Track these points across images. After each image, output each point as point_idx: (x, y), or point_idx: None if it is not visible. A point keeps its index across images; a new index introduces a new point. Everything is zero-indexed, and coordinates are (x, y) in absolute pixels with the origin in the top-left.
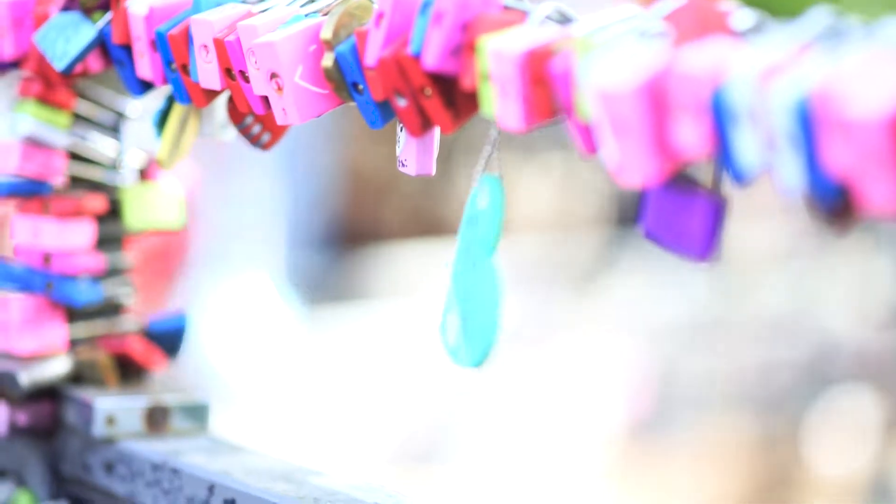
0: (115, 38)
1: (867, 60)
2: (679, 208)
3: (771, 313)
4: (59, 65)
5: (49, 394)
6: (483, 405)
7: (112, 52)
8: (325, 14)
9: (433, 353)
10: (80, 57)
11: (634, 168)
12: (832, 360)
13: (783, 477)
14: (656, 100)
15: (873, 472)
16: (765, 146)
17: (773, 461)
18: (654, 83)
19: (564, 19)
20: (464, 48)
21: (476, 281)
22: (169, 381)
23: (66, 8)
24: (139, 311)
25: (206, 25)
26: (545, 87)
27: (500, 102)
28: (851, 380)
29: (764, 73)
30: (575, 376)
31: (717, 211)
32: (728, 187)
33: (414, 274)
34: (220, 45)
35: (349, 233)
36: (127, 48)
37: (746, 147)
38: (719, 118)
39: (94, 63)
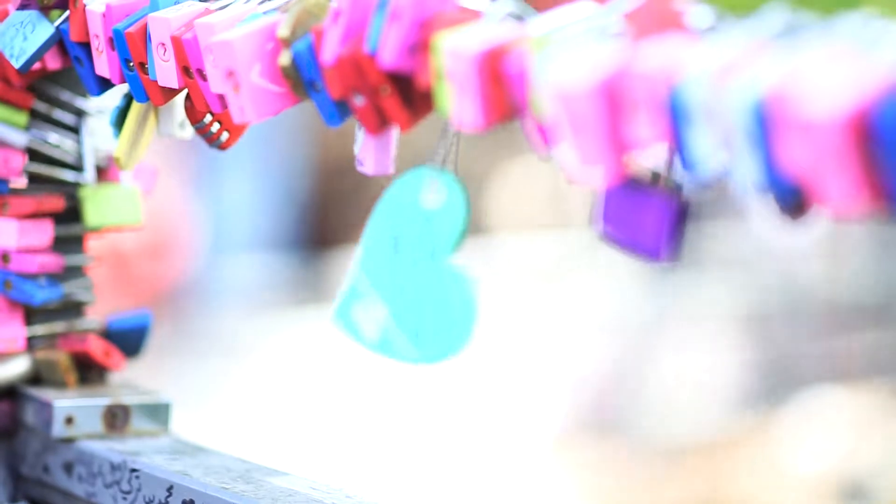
0: (73, 36)
1: (823, 59)
2: (635, 208)
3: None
4: (16, 63)
5: (7, 394)
6: (441, 402)
7: (70, 50)
8: (283, 12)
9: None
10: (38, 55)
11: (590, 168)
12: (798, 360)
13: (751, 476)
14: (612, 99)
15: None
16: (721, 145)
17: (741, 461)
18: (610, 82)
19: (521, 17)
20: (420, 46)
21: (423, 280)
22: (129, 381)
23: (23, 6)
24: (99, 310)
25: (164, 23)
26: (502, 86)
27: (456, 101)
28: (820, 380)
29: (720, 72)
30: (539, 372)
31: (674, 211)
32: (689, 188)
33: None
34: (177, 42)
35: (321, 234)
36: (85, 46)
37: (703, 146)
38: (675, 117)
39: (53, 61)
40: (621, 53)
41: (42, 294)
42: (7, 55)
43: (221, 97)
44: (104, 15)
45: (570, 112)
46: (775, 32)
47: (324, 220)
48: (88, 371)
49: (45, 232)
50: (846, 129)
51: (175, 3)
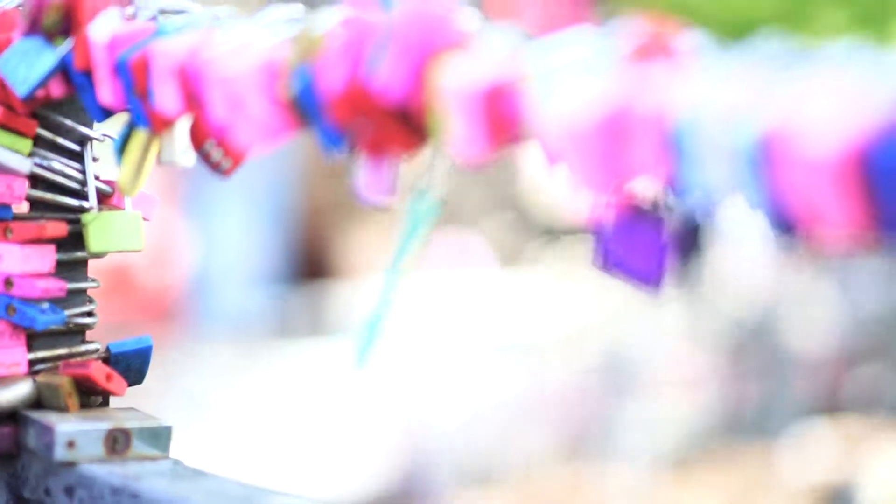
0: (77, 64)
1: (818, 94)
2: (632, 237)
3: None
4: (20, 90)
5: (10, 417)
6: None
7: (74, 78)
8: (285, 40)
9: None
10: (42, 82)
11: (590, 201)
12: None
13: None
14: (613, 135)
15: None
16: (721, 180)
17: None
18: (611, 118)
19: (518, 46)
20: (421, 77)
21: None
22: (131, 405)
23: (28, 33)
24: (101, 335)
25: (167, 52)
26: (502, 121)
27: (455, 132)
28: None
29: (719, 108)
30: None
31: (671, 241)
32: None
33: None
34: (180, 72)
35: (311, 268)
36: (88, 74)
37: (702, 180)
38: (675, 152)
39: (56, 89)
40: (621, 86)
41: (45, 319)
42: (11, 82)
43: (224, 126)
44: (108, 44)
45: (570, 146)
46: (769, 61)
47: (311, 255)
48: (90, 395)
49: (47, 257)
50: (844, 168)
51: (178, 32)
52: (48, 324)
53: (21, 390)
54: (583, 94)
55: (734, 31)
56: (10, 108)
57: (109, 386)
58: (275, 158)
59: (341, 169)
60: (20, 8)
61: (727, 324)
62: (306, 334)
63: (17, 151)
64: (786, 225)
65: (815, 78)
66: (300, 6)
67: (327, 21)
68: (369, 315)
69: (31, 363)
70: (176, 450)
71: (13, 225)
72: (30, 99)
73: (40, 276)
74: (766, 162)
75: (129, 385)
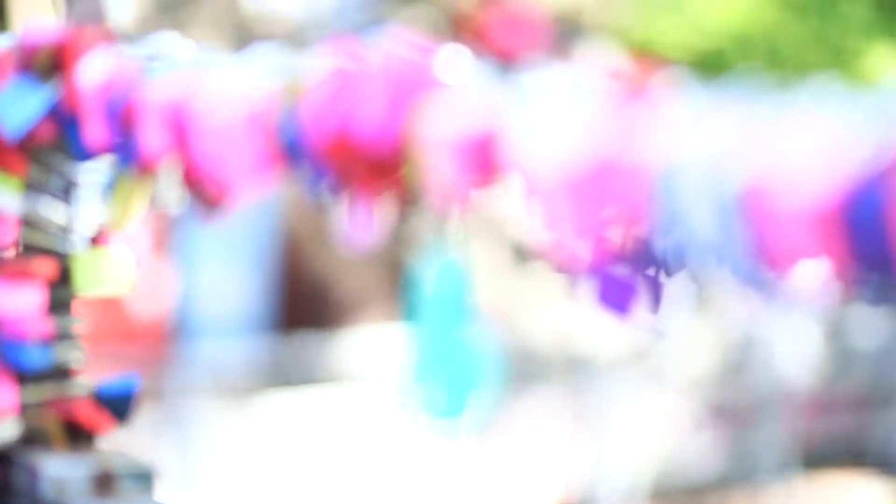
0: (66, 107)
1: (796, 142)
2: (616, 283)
3: None
4: (10, 130)
5: None
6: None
7: (63, 120)
8: (273, 86)
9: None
10: (32, 123)
11: (571, 253)
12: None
13: None
14: (594, 188)
15: None
16: (701, 230)
17: None
18: (591, 174)
19: (498, 88)
20: (404, 125)
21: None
22: (117, 445)
23: (19, 74)
24: (88, 375)
25: (156, 95)
26: (483, 166)
27: (438, 179)
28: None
29: (700, 159)
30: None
31: (652, 287)
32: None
33: (366, 358)
34: (168, 115)
35: (299, 316)
36: (77, 116)
37: (685, 229)
38: (657, 204)
39: (46, 130)
40: (603, 135)
41: (32, 359)
42: (1, 123)
43: (212, 169)
44: (96, 86)
45: (553, 193)
46: (747, 104)
47: (292, 305)
48: (77, 435)
49: (36, 298)
50: (824, 219)
51: (166, 75)
52: (36, 365)
53: (8, 431)
54: (565, 142)
55: (711, 65)
56: (0, 148)
57: (96, 426)
58: (262, 206)
59: (329, 216)
60: (11, 51)
61: (712, 365)
62: (294, 384)
63: (6, 191)
64: (763, 272)
65: (793, 125)
66: (285, 46)
67: (313, 68)
68: (403, 368)
69: (18, 404)
70: (161, 493)
71: (2, 265)
72: (20, 139)
73: (28, 316)
74: (747, 212)
75: (116, 425)
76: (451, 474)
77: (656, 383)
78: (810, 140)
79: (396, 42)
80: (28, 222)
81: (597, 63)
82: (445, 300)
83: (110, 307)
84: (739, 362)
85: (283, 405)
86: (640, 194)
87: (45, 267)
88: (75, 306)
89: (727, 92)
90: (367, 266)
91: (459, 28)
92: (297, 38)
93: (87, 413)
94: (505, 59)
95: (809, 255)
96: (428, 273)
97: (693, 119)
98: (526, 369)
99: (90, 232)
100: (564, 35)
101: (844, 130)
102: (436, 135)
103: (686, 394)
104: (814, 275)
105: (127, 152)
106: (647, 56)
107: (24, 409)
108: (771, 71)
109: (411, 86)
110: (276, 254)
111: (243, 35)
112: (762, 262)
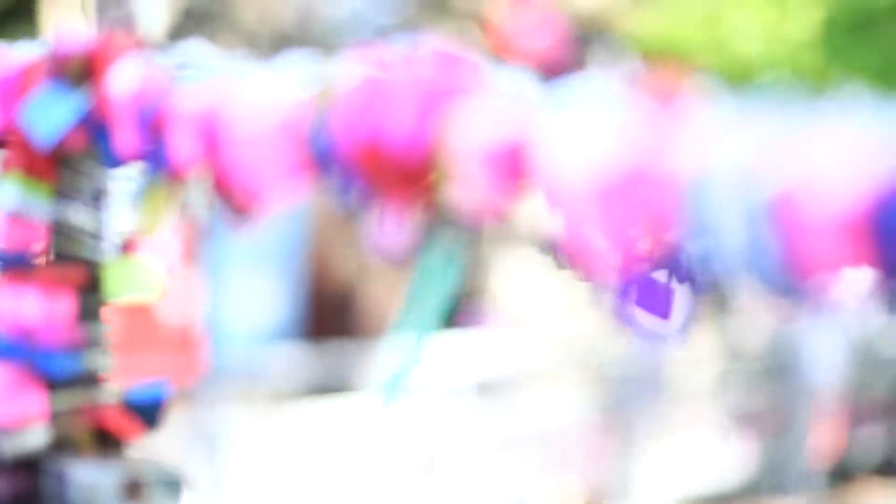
0: (97, 114)
1: (826, 151)
2: (646, 294)
3: None
4: (41, 138)
5: (26, 465)
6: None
7: (93, 128)
8: (304, 94)
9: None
10: (63, 131)
11: (598, 264)
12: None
13: None
14: (624, 199)
15: None
16: (732, 240)
17: None
18: (622, 184)
19: (529, 97)
20: (433, 133)
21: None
22: (145, 452)
23: (52, 78)
24: (118, 381)
25: (186, 105)
26: (514, 176)
27: (469, 188)
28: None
29: (731, 169)
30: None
31: (684, 297)
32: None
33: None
34: (199, 124)
35: (325, 326)
36: (108, 124)
37: (716, 238)
38: (687, 213)
39: (77, 137)
40: (635, 145)
41: (62, 366)
42: (33, 132)
43: (243, 178)
44: (127, 94)
45: (584, 203)
46: (776, 113)
47: (321, 314)
48: (106, 442)
49: (66, 305)
50: (853, 229)
51: (198, 83)
52: (66, 372)
53: (38, 438)
54: (596, 151)
55: (739, 74)
56: (30, 155)
57: (125, 433)
58: (291, 215)
59: (358, 225)
60: (43, 59)
61: (740, 374)
62: (323, 392)
63: (38, 199)
64: (793, 280)
65: (823, 133)
66: (315, 55)
67: (344, 77)
68: (394, 370)
69: (48, 411)
70: (189, 500)
71: (33, 272)
72: (51, 147)
73: (58, 323)
74: (776, 221)
75: (145, 432)
76: (476, 478)
77: (683, 391)
78: (840, 149)
79: (426, 51)
80: (59, 229)
81: (625, 71)
82: (445, 300)
83: (140, 314)
84: (769, 371)
85: (313, 413)
86: (670, 203)
87: (76, 274)
88: (105, 313)
89: (757, 101)
90: (395, 275)
91: (488, 36)
92: (327, 46)
93: (116, 420)
94: (534, 67)
95: (839, 263)
96: (431, 273)
97: (723, 128)
98: (556, 376)
99: (120, 239)
100: (591, 42)
101: (874, 139)
102: (466, 144)
103: (714, 402)
104: (843, 283)
105: (157, 160)
106: (677, 64)
107: (54, 416)
108: (801, 80)
109: (441, 95)
110: (304, 262)
111: (274, 44)
112: (792, 271)
